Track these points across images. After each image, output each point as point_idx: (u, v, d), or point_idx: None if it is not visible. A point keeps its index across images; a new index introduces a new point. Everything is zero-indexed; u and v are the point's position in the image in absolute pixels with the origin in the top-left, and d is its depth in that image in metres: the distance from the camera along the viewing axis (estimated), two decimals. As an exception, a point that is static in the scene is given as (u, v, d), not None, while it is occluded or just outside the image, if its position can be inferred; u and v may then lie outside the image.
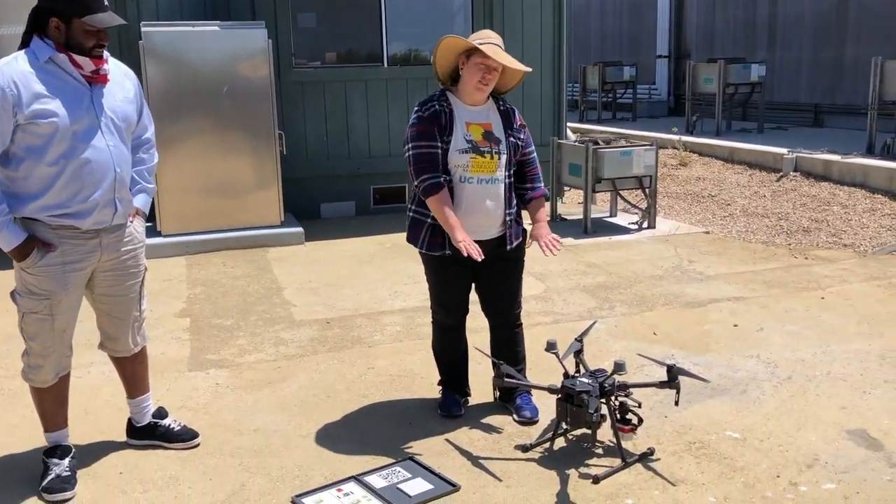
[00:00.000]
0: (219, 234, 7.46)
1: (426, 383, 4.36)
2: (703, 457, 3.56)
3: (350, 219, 8.71)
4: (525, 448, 3.63)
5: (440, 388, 4.13)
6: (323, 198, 8.75)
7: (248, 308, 5.77)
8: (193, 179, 7.42)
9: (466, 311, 3.96)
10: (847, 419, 3.90)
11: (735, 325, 5.24)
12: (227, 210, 7.55)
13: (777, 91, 14.64)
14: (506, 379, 3.54)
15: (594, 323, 4.01)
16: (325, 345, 5.01)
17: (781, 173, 9.67)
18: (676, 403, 3.50)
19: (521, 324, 4.03)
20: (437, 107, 3.67)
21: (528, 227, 3.86)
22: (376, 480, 3.39)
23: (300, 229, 7.66)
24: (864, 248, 7.17)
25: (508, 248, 3.78)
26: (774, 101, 14.49)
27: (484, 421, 3.92)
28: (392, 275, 6.44)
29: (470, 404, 4.10)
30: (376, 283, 6.31)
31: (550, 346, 3.75)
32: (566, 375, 3.67)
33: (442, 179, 3.61)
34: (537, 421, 3.89)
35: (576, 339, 3.86)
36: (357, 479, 3.41)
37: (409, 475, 3.42)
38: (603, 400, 3.50)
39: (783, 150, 9.95)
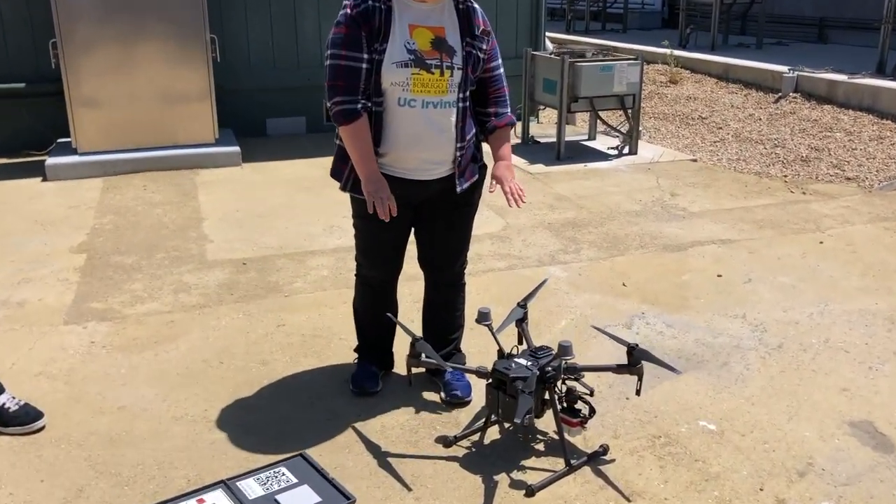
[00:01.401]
0: (143, 154, 6.57)
1: (343, 347, 3.60)
2: (668, 458, 2.84)
3: (299, 137, 7.81)
4: (448, 441, 2.90)
5: (356, 356, 3.38)
6: (269, 112, 7.83)
7: (158, 243, 4.96)
8: (113, 89, 6.48)
9: (399, 266, 3.17)
10: (849, 406, 3.18)
11: (719, 276, 4.48)
12: (152, 125, 6.64)
13: (778, 2, 13.55)
14: (423, 358, 2.77)
15: (544, 282, 3.24)
16: (234, 292, 4.23)
17: (780, 94, 8.77)
18: (638, 393, 2.76)
19: (463, 283, 3.24)
20: (370, 1, 2.79)
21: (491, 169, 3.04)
22: (251, 487, 2.66)
23: (236, 149, 6.78)
24: (869, 182, 6.37)
25: (459, 191, 2.96)
26: (776, 13, 13.41)
27: (404, 401, 3.18)
28: (332, 206, 5.61)
29: (393, 377, 3.36)
30: (312, 214, 5.49)
31: (482, 317, 2.98)
32: (500, 354, 2.91)
33: (359, 106, 2.75)
34: (469, 401, 3.16)
35: (518, 304, 3.09)
36: (227, 484, 2.67)
37: (295, 480, 2.69)
38: (546, 387, 2.76)
39: (783, 69, 9.02)
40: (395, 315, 3.32)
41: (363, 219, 2.97)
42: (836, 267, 4.61)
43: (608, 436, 2.97)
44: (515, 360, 2.80)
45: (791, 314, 4.01)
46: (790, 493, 2.67)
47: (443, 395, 3.19)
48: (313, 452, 2.86)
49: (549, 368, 2.73)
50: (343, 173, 2.92)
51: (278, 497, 2.61)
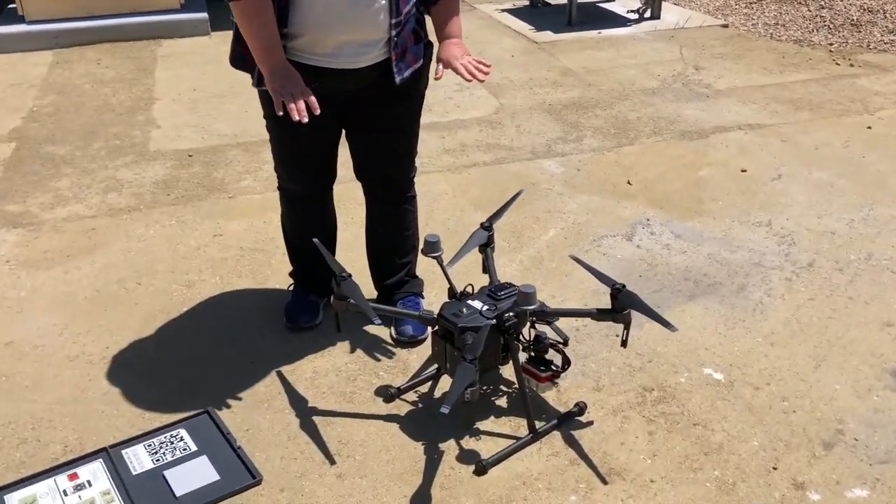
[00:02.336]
0: (99, 22, 5.84)
1: (286, 264, 3.02)
2: (660, 420, 2.28)
3: None
4: (389, 395, 2.36)
5: (291, 282, 2.81)
6: (248, -28, 6.96)
7: (99, 129, 4.34)
8: (61, -53, 5.69)
9: (330, 177, 2.54)
10: (894, 348, 2.58)
11: (743, 171, 3.79)
12: (109, -11, 5.88)
13: None
14: (350, 302, 2.18)
15: (517, 195, 2.59)
16: (172, 192, 3.64)
17: (830, -54, 7.67)
18: (623, 344, 2.17)
19: (412, 195, 2.61)
20: None
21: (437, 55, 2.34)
22: (138, 457, 2.16)
23: (204, 16, 6.01)
24: (928, 51, 5.50)
25: (398, 81, 2.27)
26: None
27: (344, 339, 2.63)
28: (303, 82, 4.91)
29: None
30: (280, 93, 4.80)
31: (429, 248, 2.36)
32: (451, 294, 2.32)
33: None
34: (424, 340, 2.60)
35: (482, 225, 2.46)
36: (109, 453, 2.17)
37: (193, 448, 2.18)
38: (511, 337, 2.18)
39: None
40: (334, 234, 2.72)
41: (275, 121, 2.33)
42: (887, 160, 3.89)
43: (588, 388, 2.41)
44: (469, 302, 2.21)
45: (827, 221, 3.35)
46: (811, 473, 2.11)
47: (392, 331, 2.63)
48: (225, 407, 2.35)
49: (510, 315, 2.14)
50: (248, 62, 2.22)
51: (167, 473, 2.11)
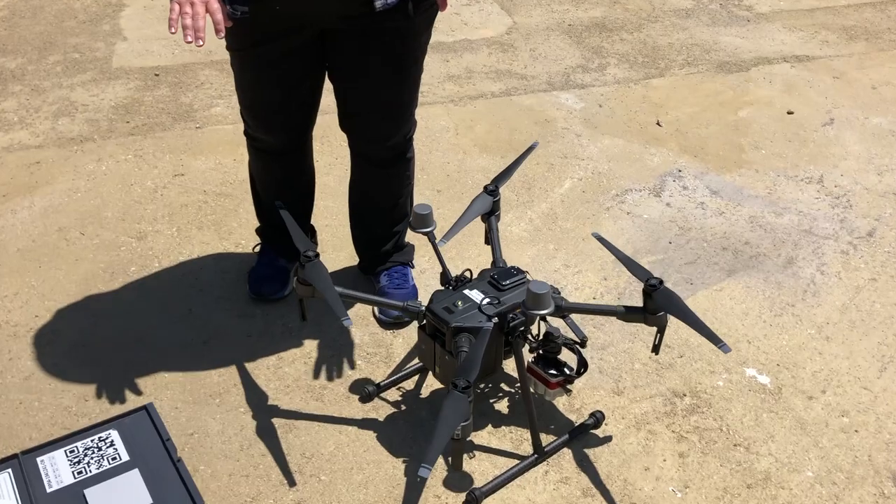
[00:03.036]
0: (67, -89, 5.20)
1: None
2: (693, 437, 1.88)
3: None
4: (367, 393, 1.96)
5: (258, 241, 2.37)
6: None
7: (57, 39, 3.82)
8: None
9: (307, 127, 2.08)
10: (972, 349, 2.16)
11: (789, 113, 3.29)
12: None
13: None
14: (315, 288, 1.75)
15: (531, 148, 2.13)
16: (132, 119, 3.16)
17: None
18: (655, 350, 1.75)
19: (408, 157, 2.11)
20: None
21: None
22: (57, 468, 1.77)
23: None
24: None
25: (379, 6, 1.73)
26: None
27: (319, 315, 2.21)
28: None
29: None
30: None
31: (420, 221, 1.90)
32: (445, 280, 1.88)
33: None
34: (410, 322, 2.18)
35: (486, 189, 2.00)
36: (21, 462, 1.78)
37: (125, 458, 1.78)
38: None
39: None
40: (311, 189, 2.26)
41: (240, 56, 1.85)
42: (953, 103, 3.39)
43: (606, 391, 2.00)
44: (466, 293, 1.77)
45: (888, 180, 2.88)
46: (879, 519, 1.73)
47: (374, 307, 2.21)
48: (169, 402, 1.95)
49: (515, 318, 1.71)
50: None
51: (89, 492, 1.71)
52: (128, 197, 2.69)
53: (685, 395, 2.00)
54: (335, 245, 2.46)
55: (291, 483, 1.77)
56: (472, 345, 1.63)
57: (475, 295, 1.76)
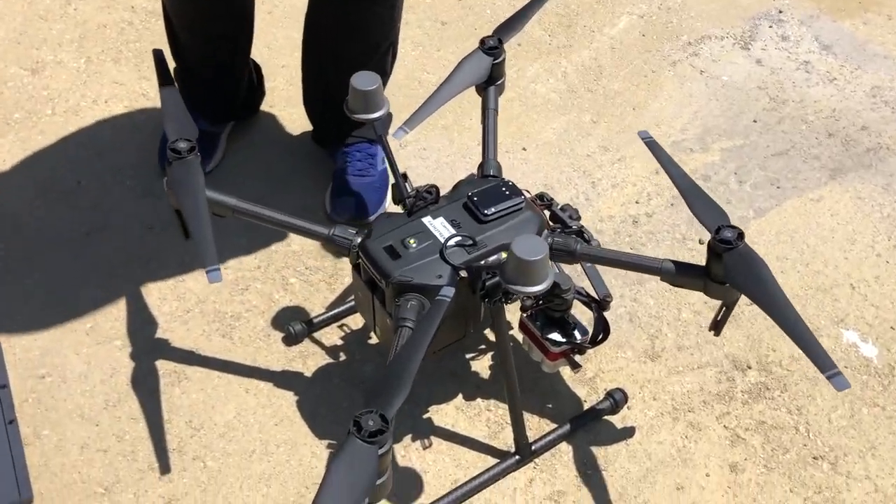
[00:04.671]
0: None
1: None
2: (755, 437, 1.28)
3: None
4: (293, 334, 1.37)
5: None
6: None
7: None
8: None
9: None
10: None
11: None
12: None
13: None
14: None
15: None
16: None
17: None
18: (715, 330, 1.13)
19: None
20: None
21: None
22: None
23: None
24: None
25: None
26: None
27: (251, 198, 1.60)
28: None
29: (257, 134, 1.74)
30: None
31: (358, 101, 1.21)
32: (398, 198, 1.22)
33: None
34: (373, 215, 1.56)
35: (482, 43, 1.29)
36: None
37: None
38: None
39: None
40: (247, 11, 1.56)
41: None
42: None
43: (635, 353, 1.39)
44: (426, 221, 1.13)
45: None
46: None
47: (326, 201, 1.58)
48: (21, 323, 1.40)
49: (493, 283, 1.08)
50: None
51: None
52: (29, 9, 2.02)
53: (749, 368, 1.38)
54: (291, 98, 1.80)
55: (164, 469, 1.24)
56: (419, 319, 1.02)
57: (439, 227, 1.12)
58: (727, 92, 1.89)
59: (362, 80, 1.17)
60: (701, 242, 1.58)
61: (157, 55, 1.24)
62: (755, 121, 1.83)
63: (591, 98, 1.87)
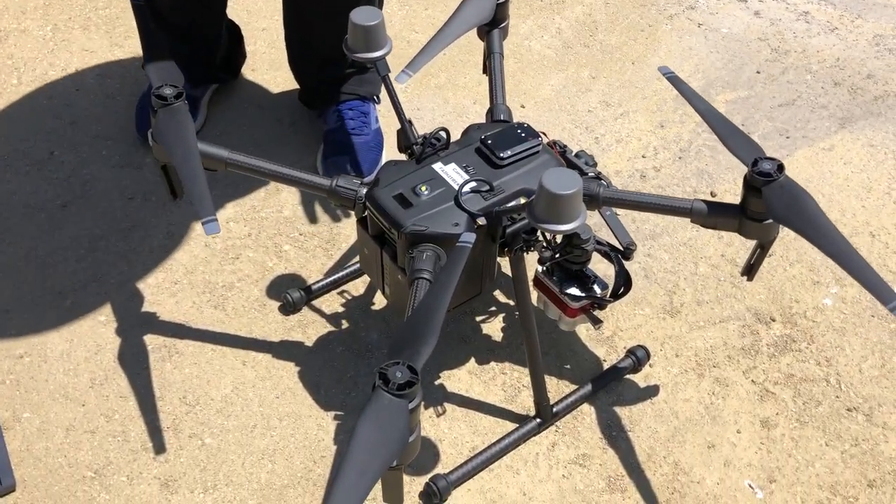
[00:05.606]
0: None
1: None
2: (785, 391, 1.22)
3: None
4: (291, 303, 1.28)
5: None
6: None
7: None
8: None
9: None
10: None
11: None
12: None
13: None
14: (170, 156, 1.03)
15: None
16: None
17: None
18: (748, 274, 1.06)
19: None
20: None
21: None
22: None
23: None
24: None
25: None
26: None
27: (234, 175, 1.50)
28: None
29: (239, 93, 1.64)
30: None
31: (359, 38, 1.11)
32: (404, 144, 1.14)
33: None
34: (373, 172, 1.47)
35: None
36: None
37: None
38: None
39: None
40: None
41: None
42: None
43: (653, 309, 1.32)
44: (437, 168, 1.05)
45: None
46: None
47: (319, 164, 1.49)
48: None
49: (517, 216, 1.00)
50: None
51: None
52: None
53: (774, 321, 1.32)
54: (274, 60, 1.71)
55: (159, 448, 1.15)
56: (438, 270, 0.94)
57: (452, 173, 1.04)
58: (727, 44, 1.83)
59: (363, 15, 1.08)
60: (713, 195, 1.51)
61: (136, 3, 1.14)
62: (758, 72, 1.76)
63: (587, 53, 1.79)
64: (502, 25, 1.25)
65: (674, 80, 1.09)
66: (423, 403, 0.80)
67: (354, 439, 0.73)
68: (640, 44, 1.81)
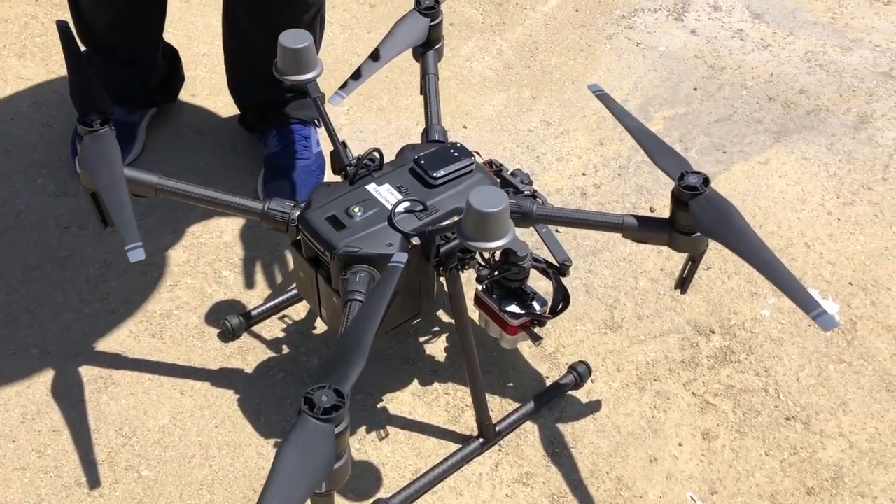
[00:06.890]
0: None
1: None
2: (725, 402, 1.22)
3: None
4: (230, 329, 1.27)
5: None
6: None
7: None
8: None
9: None
10: None
11: None
12: None
13: None
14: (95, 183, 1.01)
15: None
16: None
17: None
18: (681, 288, 1.07)
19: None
20: None
21: None
22: None
23: None
24: None
25: None
26: None
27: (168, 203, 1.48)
28: None
29: (180, 112, 1.63)
30: None
31: (289, 60, 1.10)
32: (337, 166, 1.13)
33: None
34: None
35: (418, 3, 1.22)
36: None
37: None
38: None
39: None
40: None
41: None
42: None
43: (594, 325, 1.33)
44: (370, 189, 1.05)
45: None
46: None
47: (260, 188, 1.48)
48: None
49: (449, 250, 1.00)
50: None
51: None
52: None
53: (713, 333, 1.33)
54: (214, 85, 1.70)
55: (93, 483, 1.12)
56: (370, 291, 0.93)
57: (385, 193, 1.04)
58: (665, 62, 1.86)
59: (291, 38, 1.08)
60: (652, 210, 1.53)
61: (62, 26, 1.12)
62: (695, 89, 1.80)
63: (528, 74, 1.81)
64: (437, 47, 1.26)
65: (603, 98, 1.10)
66: (349, 428, 0.79)
67: (277, 466, 0.72)
68: (579, 63, 1.84)
